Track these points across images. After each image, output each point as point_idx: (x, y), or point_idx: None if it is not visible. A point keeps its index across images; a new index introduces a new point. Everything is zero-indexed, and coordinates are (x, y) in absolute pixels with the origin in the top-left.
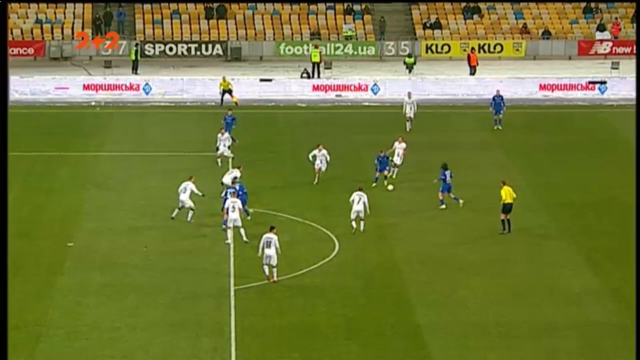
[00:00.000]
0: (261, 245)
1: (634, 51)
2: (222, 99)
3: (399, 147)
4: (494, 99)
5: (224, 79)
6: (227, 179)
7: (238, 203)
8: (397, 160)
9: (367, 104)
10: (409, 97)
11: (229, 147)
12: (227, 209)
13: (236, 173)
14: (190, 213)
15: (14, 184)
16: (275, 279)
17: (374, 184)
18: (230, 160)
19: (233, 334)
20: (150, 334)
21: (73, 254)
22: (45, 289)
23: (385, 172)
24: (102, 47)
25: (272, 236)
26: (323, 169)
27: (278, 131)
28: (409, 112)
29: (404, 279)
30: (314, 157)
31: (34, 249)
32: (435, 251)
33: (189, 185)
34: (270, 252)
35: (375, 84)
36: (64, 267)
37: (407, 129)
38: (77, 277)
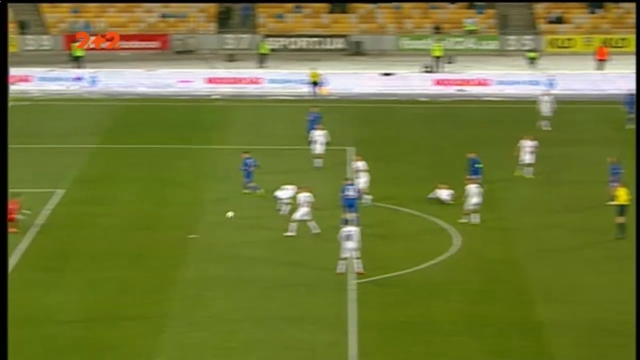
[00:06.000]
0: (341, 239)
1: None
2: (313, 91)
3: (527, 144)
4: (627, 97)
5: (312, 70)
6: (362, 182)
7: (307, 196)
8: (528, 159)
9: (489, 98)
10: (546, 94)
11: (327, 144)
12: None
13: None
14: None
15: (137, 177)
16: (361, 270)
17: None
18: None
19: (352, 328)
20: (270, 327)
21: (195, 246)
22: (167, 281)
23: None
24: (222, 41)
25: (353, 229)
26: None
27: (398, 125)
28: (546, 109)
29: (525, 275)
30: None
31: (156, 241)
32: (557, 247)
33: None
34: (352, 245)
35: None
36: (185, 259)
37: (544, 127)
38: (198, 269)
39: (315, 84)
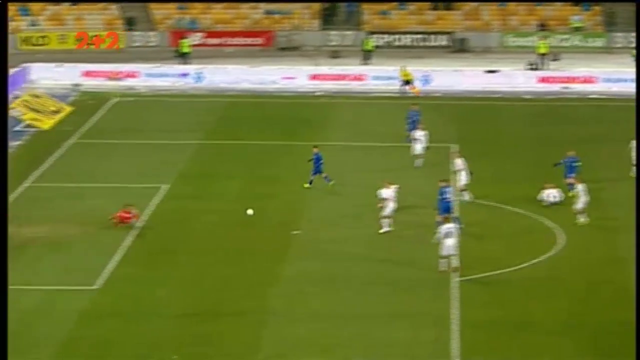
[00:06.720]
0: (441, 236)
1: None
2: (404, 90)
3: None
4: None
5: (402, 68)
6: (463, 179)
7: (393, 190)
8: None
9: (594, 96)
10: None
11: (426, 148)
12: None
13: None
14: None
15: (240, 173)
16: (457, 264)
17: (570, 193)
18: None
19: (454, 326)
20: (370, 324)
21: (295, 242)
22: (268, 277)
23: (571, 179)
24: (326, 38)
25: (452, 226)
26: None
27: (502, 123)
28: None
29: (629, 275)
30: None
31: (258, 237)
32: None
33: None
34: (451, 242)
35: None
36: (286, 255)
37: None
38: (299, 266)
39: (407, 82)
